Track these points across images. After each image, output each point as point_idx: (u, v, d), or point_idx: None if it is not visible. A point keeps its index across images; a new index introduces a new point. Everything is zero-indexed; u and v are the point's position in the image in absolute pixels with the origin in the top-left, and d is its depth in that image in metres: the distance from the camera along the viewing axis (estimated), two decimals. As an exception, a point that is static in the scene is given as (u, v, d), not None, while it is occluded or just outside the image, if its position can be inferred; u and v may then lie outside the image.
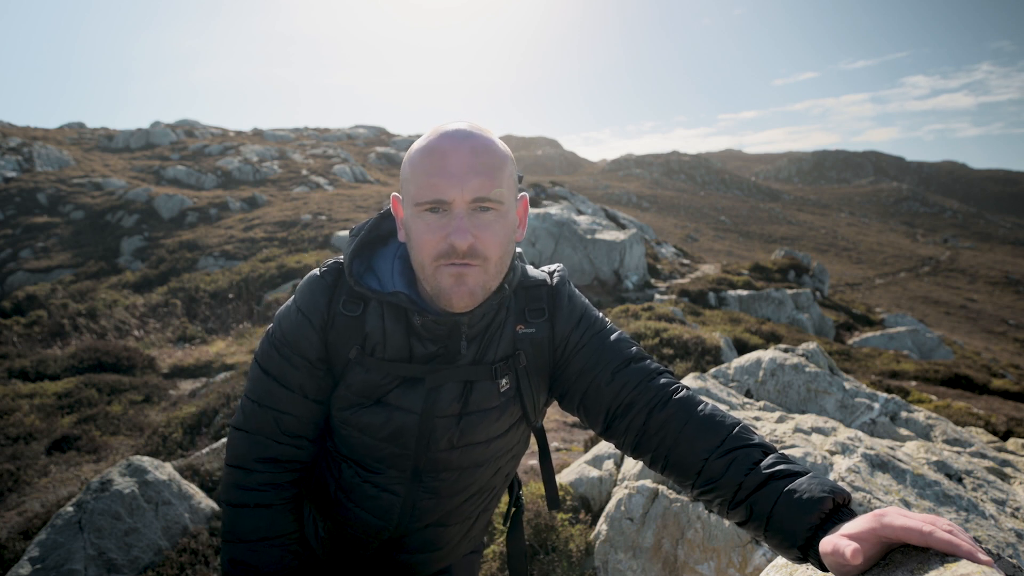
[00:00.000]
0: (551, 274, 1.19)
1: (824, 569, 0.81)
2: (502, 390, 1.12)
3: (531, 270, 1.20)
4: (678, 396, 1.04)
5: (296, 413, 1.13)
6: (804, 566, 1.03)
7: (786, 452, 2.05)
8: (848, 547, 0.73)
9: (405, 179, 1.04)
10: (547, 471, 1.31)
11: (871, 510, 0.98)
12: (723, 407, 2.88)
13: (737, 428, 0.98)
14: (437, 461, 1.14)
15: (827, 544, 0.76)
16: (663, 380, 1.07)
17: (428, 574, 1.29)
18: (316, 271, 1.13)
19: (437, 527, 1.21)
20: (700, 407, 1.02)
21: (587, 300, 1.21)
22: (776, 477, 0.89)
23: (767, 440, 0.97)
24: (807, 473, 0.89)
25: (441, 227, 1.00)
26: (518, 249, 1.21)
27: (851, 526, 0.78)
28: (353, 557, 1.26)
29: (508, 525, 1.41)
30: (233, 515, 1.13)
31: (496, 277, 1.05)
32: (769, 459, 0.93)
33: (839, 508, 0.83)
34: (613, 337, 1.13)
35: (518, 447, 1.25)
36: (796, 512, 0.84)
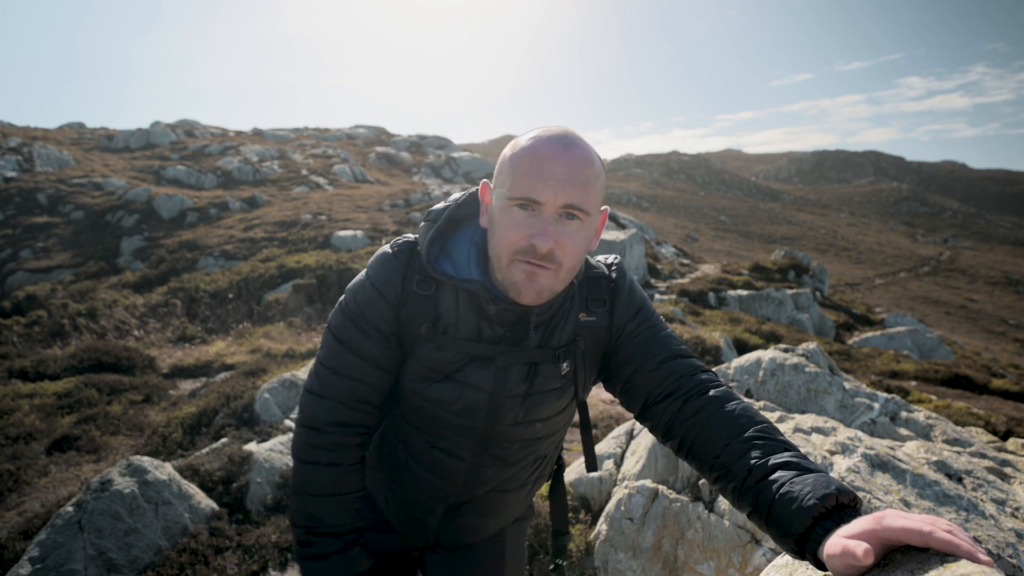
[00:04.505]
0: (610, 267, 1.26)
1: (821, 567, 0.82)
2: (563, 373, 1.19)
3: (592, 260, 1.26)
4: (717, 390, 1.09)
5: (368, 381, 1.19)
6: (804, 567, 1.03)
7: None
8: (859, 547, 0.73)
9: (503, 171, 1.09)
10: (587, 439, 1.39)
11: (872, 510, 0.97)
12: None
13: (764, 425, 1.02)
14: (502, 434, 1.21)
15: (835, 546, 0.77)
16: (705, 376, 1.13)
17: (485, 537, 1.40)
18: (388, 248, 1.18)
19: (498, 492, 1.30)
20: (735, 401, 1.07)
21: (645, 295, 1.27)
22: (787, 467, 0.91)
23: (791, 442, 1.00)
24: (819, 471, 0.90)
25: (528, 226, 1.04)
26: None
27: (850, 528, 0.78)
28: (419, 520, 1.33)
29: (551, 481, 1.52)
30: (305, 471, 1.21)
31: (565, 281, 1.11)
32: (787, 453, 0.95)
33: (843, 508, 0.83)
34: (664, 333, 1.20)
35: (568, 418, 1.33)
36: (798, 503, 0.85)
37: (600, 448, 3.32)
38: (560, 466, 1.51)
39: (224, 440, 4.17)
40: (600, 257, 1.28)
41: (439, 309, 1.15)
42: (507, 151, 1.10)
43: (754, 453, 0.96)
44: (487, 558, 1.42)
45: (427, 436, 1.24)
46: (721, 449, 1.00)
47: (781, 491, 0.88)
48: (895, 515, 0.77)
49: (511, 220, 1.06)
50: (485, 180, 1.18)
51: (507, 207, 1.06)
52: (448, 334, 1.15)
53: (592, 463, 1.41)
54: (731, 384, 3.25)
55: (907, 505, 1.62)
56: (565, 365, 1.19)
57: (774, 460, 0.93)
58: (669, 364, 1.14)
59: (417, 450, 1.26)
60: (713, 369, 3.39)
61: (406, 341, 1.18)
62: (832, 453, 1.99)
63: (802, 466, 0.91)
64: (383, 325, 1.16)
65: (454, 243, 1.20)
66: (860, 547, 0.73)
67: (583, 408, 1.38)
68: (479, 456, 1.23)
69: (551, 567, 1.56)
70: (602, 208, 1.15)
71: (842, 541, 0.76)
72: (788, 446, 0.97)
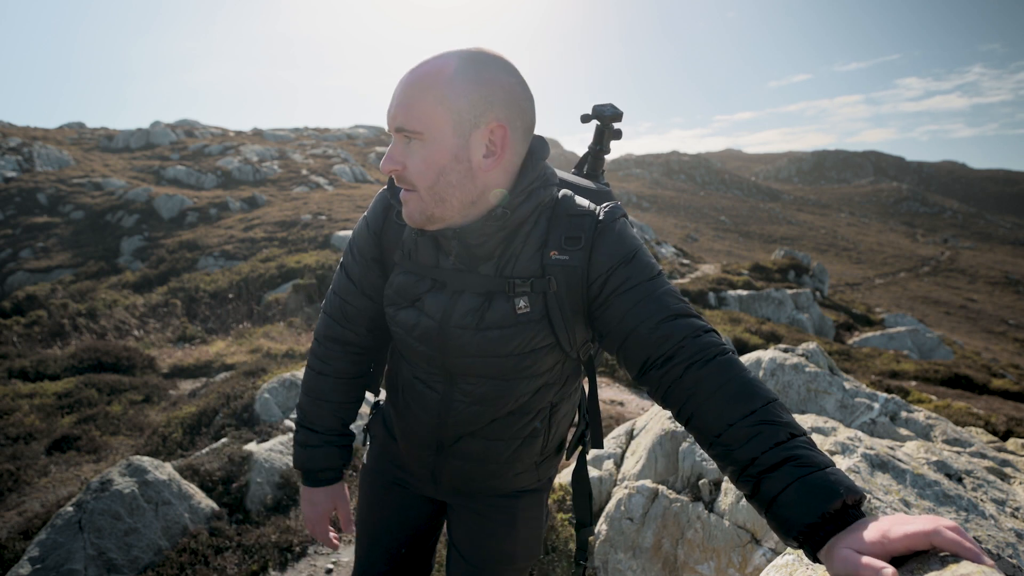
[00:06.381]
0: (602, 208, 1.16)
1: (819, 561, 0.81)
2: (518, 311, 1.14)
3: (579, 199, 1.18)
4: (722, 358, 1.01)
5: (354, 303, 1.33)
6: (804, 567, 1.03)
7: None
8: (887, 569, 0.72)
9: None
10: (593, 407, 1.33)
11: (871, 509, 0.97)
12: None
13: (770, 403, 0.94)
14: (462, 366, 1.21)
15: (850, 563, 0.75)
16: (709, 339, 1.04)
17: (489, 492, 1.40)
18: (386, 185, 1.28)
19: (485, 439, 1.29)
20: (740, 373, 0.99)
21: (641, 241, 1.17)
22: (794, 463, 0.86)
23: (798, 423, 0.93)
24: (827, 466, 0.86)
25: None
26: (571, 178, 1.28)
27: (856, 540, 0.77)
28: (417, 455, 1.37)
29: (572, 459, 1.50)
30: (306, 374, 1.41)
31: (434, 205, 1.10)
32: (794, 442, 0.89)
33: (848, 509, 0.82)
34: (665, 288, 1.09)
35: (555, 374, 1.25)
36: (802, 503, 0.83)
37: (600, 448, 3.32)
38: (584, 445, 1.44)
39: (224, 440, 4.17)
40: (607, 202, 1.20)
41: (404, 236, 1.22)
42: None
43: (758, 441, 0.90)
44: (499, 522, 1.43)
45: (408, 364, 1.29)
46: (723, 429, 0.94)
47: (786, 489, 0.85)
48: (899, 523, 0.77)
49: None
50: None
51: None
52: (411, 259, 1.21)
53: (598, 435, 1.34)
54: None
55: (907, 505, 1.62)
56: (522, 303, 1.13)
57: (780, 453, 0.88)
58: (668, 325, 1.04)
59: (405, 379, 1.31)
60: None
61: (388, 268, 1.28)
62: (832, 453, 1.99)
63: (810, 460, 0.86)
64: (366, 251, 1.28)
65: None
66: (887, 570, 0.72)
67: (589, 368, 1.30)
68: (450, 390, 1.24)
69: (573, 568, 1.53)
70: (488, 124, 1.06)
71: (867, 560, 0.75)
72: (795, 430, 0.91)
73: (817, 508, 0.81)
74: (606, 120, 1.43)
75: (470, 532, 1.44)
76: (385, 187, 1.27)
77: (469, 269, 1.15)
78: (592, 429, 1.34)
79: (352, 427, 1.45)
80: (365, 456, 1.57)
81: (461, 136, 1.06)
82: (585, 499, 1.45)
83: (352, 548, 3.23)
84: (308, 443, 1.40)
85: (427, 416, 1.29)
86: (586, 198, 1.23)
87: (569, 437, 1.49)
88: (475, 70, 1.05)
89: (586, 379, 1.37)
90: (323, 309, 1.39)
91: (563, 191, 1.19)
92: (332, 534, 1.47)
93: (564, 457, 1.48)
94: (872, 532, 0.77)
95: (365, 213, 1.31)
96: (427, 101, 1.04)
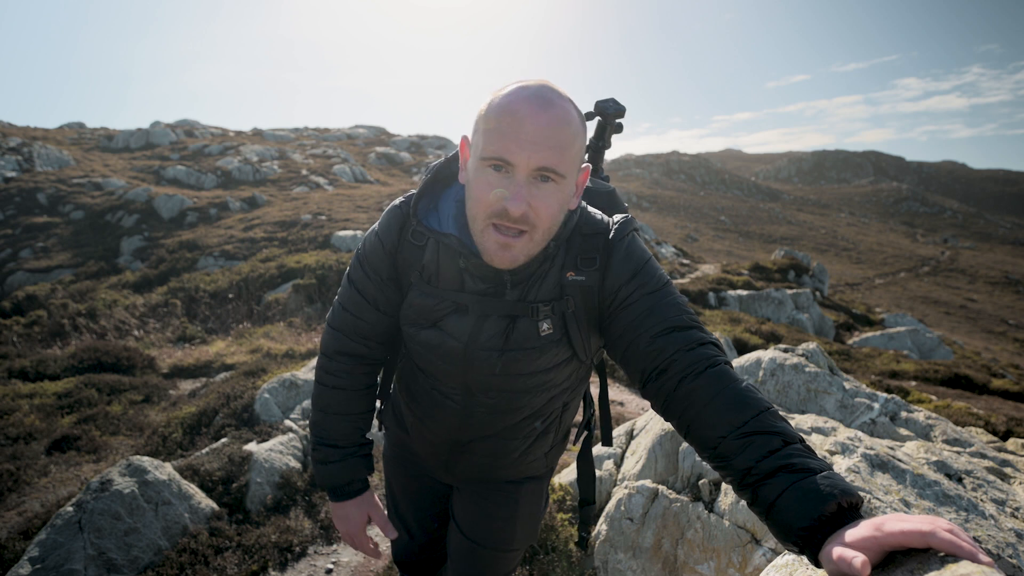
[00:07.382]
0: (613, 225, 1.20)
1: (820, 565, 0.82)
2: (542, 334, 1.17)
3: (593, 216, 1.21)
4: (713, 369, 1.02)
5: (368, 320, 1.32)
6: (804, 567, 1.03)
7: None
8: (856, 559, 0.73)
9: (478, 128, 1.09)
10: (603, 408, 1.40)
11: (872, 510, 0.97)
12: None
13: (763, 413, 0.96)
14: (483, 383, 1.25)
15: (835, 553, 0.76)
16: (703, 351, 1.05)
17: (497, 480, 1.46)
18: (397, 202, 1.26)
19: (499, 439, 1.35)
20: (732, 384, 1.00)
21: (649, 255, 1.19)
22: (788, 470, 0.88)
23: (793, 429, 0.95)
24: (822, 471, 0.87)
25: (501, 188, 1.05)
26: (583, 204, 1.28)
27: (851, 534, 0.78)
28: (433, 451, 1.44)
29: (578, 446, 1.57)
30: (318, 391, 1.40)
31: (541, 243, 1.11)
32: (787, 449, 0.91)
33: (844, 511, 0.82)
34: (666, 300, 1.12)
35: (570, 380, 1.31)
36: (797, 508, 0.84)
37: (600, 448, 3.32)
38: (589, 433, 1.51)
39: (224, 440, 4.17)
40: (616, 216, 1.23)
41: (424, 259, 1.21)
42: (483, 107, 1.09)
43: (752, 450, 0.92)
44: (501, 505, 1.48)
45: (427, 377, 1.32)
46: (718, 441, 0.96)
47: (782, 495, 0.86)
48: (895, 519, 0.77)
49: (484, 181, 1.05)
50: (465, 135, 1.16)
51: (481, 167, 1.06)
52: (432, 283, 1.21)
53: (607, 435, 1.41)
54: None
55: (907, 505, 1.62)
56: (546, 326, 1.16)
57: (774, 461, 0.89)
58: (662, 339, 1.07)
59: (423, 388, 1.34)
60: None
61: (403, 286, 1.27)
62: (832, 453, 1.99)
63: (804, 466, 0.88)
64: (381, 270, 1.27)
65: (444, 197, 1.25)
66: (858, 559, 0.73)
67: (601, 370, 1.36)
68: (469, 401, 1.28)
69: (575, 541, 1.60)
70: (583, 165, 1.14)
71: (840, 550, 0.76)
72: (788, 437, 0.93)
73: (812, 512, 0.82)
74: (609, 116, 1.46)
75: (472, 512, 1.50)
76: (398, 202, 1.25)
77: (496, 294, 1.17)
78: (602, 427, 1.41)
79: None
80: (383, 445, 1.63)
81: (574, 177, 1.11)
82: (589, 478, 1.53)
83: (350, 549, 3.22)
84: (330, 459, 1.39)
85: (446, 422, 1.34)
86: (592, 202, 1.29)
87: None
88: (581, 115, 1.10)
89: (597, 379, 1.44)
90: (330, 324, 1.38)
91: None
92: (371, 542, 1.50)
93: (572, 441, 1.54)
94: (865, 528, 0.78)
95: (375, 228, 1.28)
96: (576, 146, 1.07)
